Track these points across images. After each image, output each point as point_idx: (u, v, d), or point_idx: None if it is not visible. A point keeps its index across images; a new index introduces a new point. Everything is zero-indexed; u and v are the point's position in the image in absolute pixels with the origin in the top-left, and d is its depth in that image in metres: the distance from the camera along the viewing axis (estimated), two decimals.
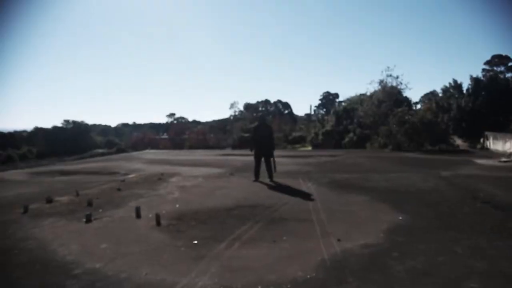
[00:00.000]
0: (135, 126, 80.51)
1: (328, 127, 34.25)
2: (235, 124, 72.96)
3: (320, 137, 34.42)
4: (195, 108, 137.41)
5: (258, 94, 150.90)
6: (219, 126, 78.47)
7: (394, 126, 20.69)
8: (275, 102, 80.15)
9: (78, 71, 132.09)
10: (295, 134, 55.13)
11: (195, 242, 4.73)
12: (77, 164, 15.21)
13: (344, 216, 5.92)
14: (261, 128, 9.70)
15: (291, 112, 78.85)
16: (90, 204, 6.89)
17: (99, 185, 9.01)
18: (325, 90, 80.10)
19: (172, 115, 78.18)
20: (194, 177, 10.21)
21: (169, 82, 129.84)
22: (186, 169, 11.91)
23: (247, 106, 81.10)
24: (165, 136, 62.92)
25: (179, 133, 59.72)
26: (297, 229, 5.25)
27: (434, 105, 29.17)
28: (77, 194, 7.79)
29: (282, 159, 14.58)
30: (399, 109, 21.58)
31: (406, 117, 20.30)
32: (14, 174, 11.78)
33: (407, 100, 27.61)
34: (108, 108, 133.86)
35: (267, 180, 9.32)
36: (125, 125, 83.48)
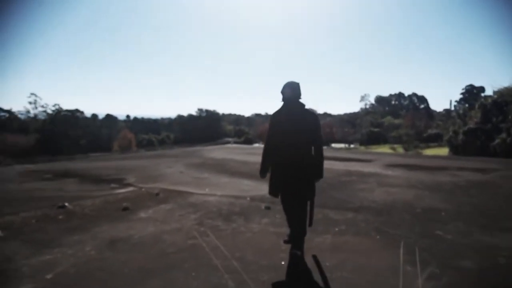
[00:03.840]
0: (267, 116, 79.40)
1: (471, 124, 25.45)
2: (365, 118, 65.47)
3: (461, 136, 25.79)
4: (327, 100, 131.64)
5: (391, 87, 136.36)
6: (349, 119, 72.13)
7: None
8: (409, 96, 69.46)
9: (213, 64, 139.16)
10: (431, 131, 45.89)
11: None
12: (103, 161, 12.07)
13: None
14: (289, 118, 3.47)
15: (427, 107, 67.13)
16: None
17: (16, 213, 5.09)
18: (467, 83, 64.24)
19: None
20: (196, 206, 5.50)
21: (304, 74, 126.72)
22: (214, 181, 7.40)
23: (379, 99, 72.35)
24: None
25: None
26: None
27: None
28: None
29: (388, 172, 8.79)
30: None
31: None
32: None
33: None
34: (243, 100, 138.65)
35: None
36: (258, 115, 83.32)
